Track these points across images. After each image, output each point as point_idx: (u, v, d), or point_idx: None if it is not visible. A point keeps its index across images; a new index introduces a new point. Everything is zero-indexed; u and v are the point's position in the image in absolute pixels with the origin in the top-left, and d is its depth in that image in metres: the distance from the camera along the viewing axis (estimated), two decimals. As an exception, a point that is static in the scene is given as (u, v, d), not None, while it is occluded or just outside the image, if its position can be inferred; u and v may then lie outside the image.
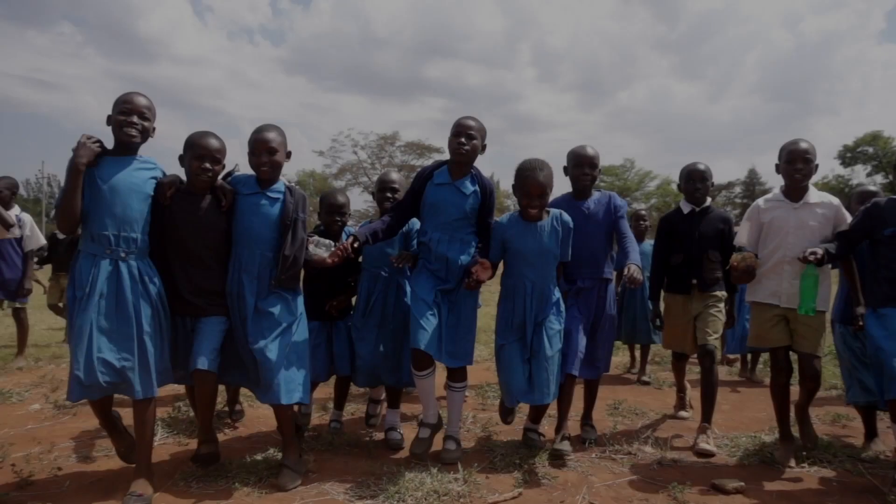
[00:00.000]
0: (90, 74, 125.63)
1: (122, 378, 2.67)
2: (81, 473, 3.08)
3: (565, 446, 3.30)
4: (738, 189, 49.25)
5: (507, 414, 3.64)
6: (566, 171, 3.62)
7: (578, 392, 3.70)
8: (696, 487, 3.00)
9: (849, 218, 3.35)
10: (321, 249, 3.15)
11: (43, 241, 5.65)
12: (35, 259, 5.92)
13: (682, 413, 4.24)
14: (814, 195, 3.39)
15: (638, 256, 3.32)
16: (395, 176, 3.83)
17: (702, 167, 3.87)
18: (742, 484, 3.00)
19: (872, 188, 4.07)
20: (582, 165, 3.53)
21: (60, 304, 6.81)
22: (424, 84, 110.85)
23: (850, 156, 41.10)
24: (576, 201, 3.56)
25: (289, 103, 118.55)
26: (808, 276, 3.20)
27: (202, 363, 2.84)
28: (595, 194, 3.62)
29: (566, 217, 3.36)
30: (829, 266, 3.38)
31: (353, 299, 3.75)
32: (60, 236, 6.82)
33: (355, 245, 3.17)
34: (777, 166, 3.47)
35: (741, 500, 2.89)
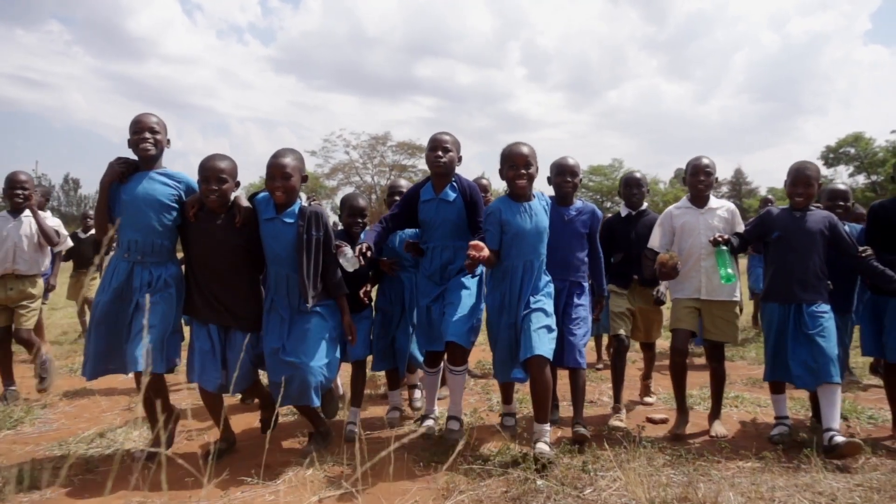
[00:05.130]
0: (79, 73, 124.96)
1: (118, 360, 3.10)
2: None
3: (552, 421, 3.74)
4: (724, 188, 50.53)
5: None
6: (549, 180, 3.87)
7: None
8: (636, 421, 4.21)
9: (743, 220, 3.99)
10: (347, 264, 3.30)
11: (70, 242, 5.66)
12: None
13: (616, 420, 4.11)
14: (714, 202, 3.97)
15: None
16: (403, 182, 4.30)
17: (638, 175, 4.50)
18: (667, 417, 4.24)
19: (841, 186, 4.34)
20: (564, 174, 3.79)
21: (80, 301, 7.47)
22: (415, 83, 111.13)
23: (832, 157, 40.89)
24: (558, 206, 3.76)
25: (279, 102, 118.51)
26: (720, 252, 3.64)
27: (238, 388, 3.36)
28: (577, 202, 3.83)
29: (545, 196, 3.65)
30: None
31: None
32: (82, 235, 7.45)
33: (367, 254, 3.38)
34: (684, 179, 4.03)
35: (665, 426, 4.11)
